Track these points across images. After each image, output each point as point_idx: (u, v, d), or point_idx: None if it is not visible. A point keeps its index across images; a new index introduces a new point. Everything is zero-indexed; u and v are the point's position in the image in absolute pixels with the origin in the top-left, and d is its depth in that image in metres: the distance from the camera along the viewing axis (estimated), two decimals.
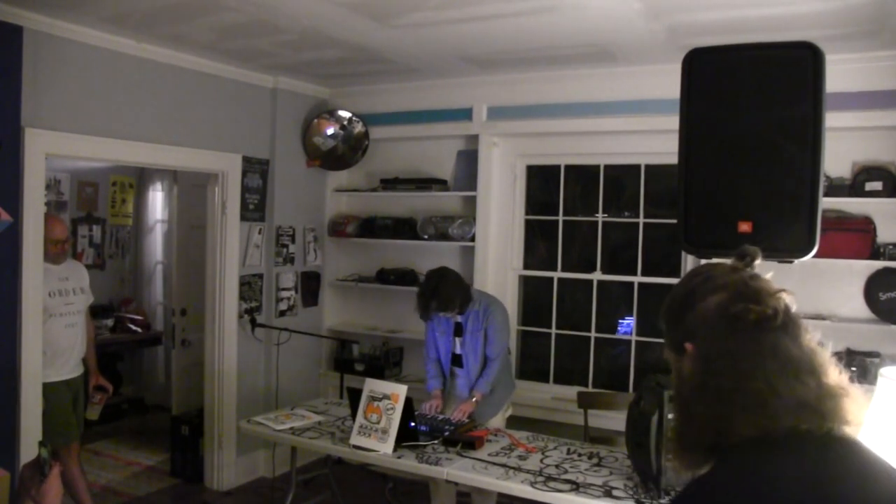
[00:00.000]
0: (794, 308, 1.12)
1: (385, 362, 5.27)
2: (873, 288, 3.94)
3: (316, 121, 5.26)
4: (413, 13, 3.48)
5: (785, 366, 1.06)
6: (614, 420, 3.95)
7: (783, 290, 1.13)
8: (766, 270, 1.20)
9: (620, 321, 4.83)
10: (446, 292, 3.79)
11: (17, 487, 1.75)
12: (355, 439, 3.34)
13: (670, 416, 2.68)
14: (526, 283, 5.13)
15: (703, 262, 3.12)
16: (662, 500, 2.73)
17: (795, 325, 1.10)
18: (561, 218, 4.97)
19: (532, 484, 2.91)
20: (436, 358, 4.08)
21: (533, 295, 5.13)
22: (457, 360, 4.03)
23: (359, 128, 5.29)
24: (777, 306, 1.09)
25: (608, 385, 4.76)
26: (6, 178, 3.54)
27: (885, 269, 3.89)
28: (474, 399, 3.84)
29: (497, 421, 3.94)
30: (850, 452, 1.04)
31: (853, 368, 3.68)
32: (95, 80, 3.97)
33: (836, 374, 1.08)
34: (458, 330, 3.99)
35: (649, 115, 4.27)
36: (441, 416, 3.80)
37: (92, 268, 6.43)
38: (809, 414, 1.03)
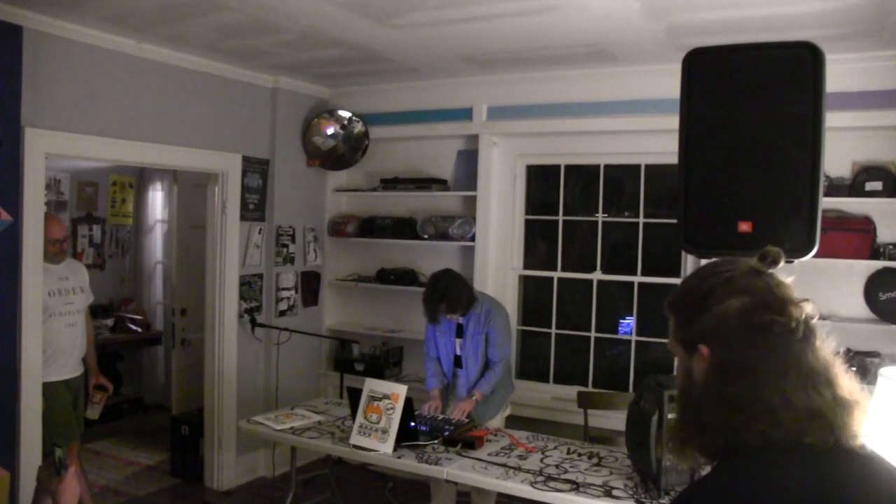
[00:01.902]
0: (815, 318, 1.10)
1: (385, 362, 5.27)
2: (873, 288, 3.94)
3: (316, 120, 5.26)
4: (413, 13, 3.48)
5: (805, 378, 1.05)
6: (614, 420, 3.95)
7: (806, 300, 1.11)
8: (778, 272, 1.18)
9: (621, 321, 4.83)
10: (455, 294, 3.79)
11: (35, 487, 1.81)
12: (355, 439, 3.34)
13: (670, 415, 2.68)
14: (526, 282, 5.13)
15: (703, 261, 3.11)
16: (662, 500, 2.73)
17: (815, 336, 1.09)
18: (561, 218, 4.97)
19: (532, 484, 2.91)
20: (435, 357, 4.08)
21: (533, 295, 5.13)
22: (458, 362, 4.03)
23: (359, 127, 5.29)
24: (800, 318, 1.07)
25: (608, 385, 4.76)
26: (6, 178, 3.54)
27: (885, 269, 3.89)
28: (474, 398, 3.84)
29: (496, 421, 3.94)
30: (855, 464, 1.03)
31: (853, 368, 3.67)
32: (95, 80, 3.97)
33: (848, 385, 1.08)
34: (460, 331, 3.99)
35: (649, 115, 4.27)
36: (441, 416, 3.80)
37: (92, 267, 6.43)
38: (818, 426, 1.03)
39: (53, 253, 3.85)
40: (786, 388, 1.04)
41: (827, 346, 1.09)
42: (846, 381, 1.08)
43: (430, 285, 3.89)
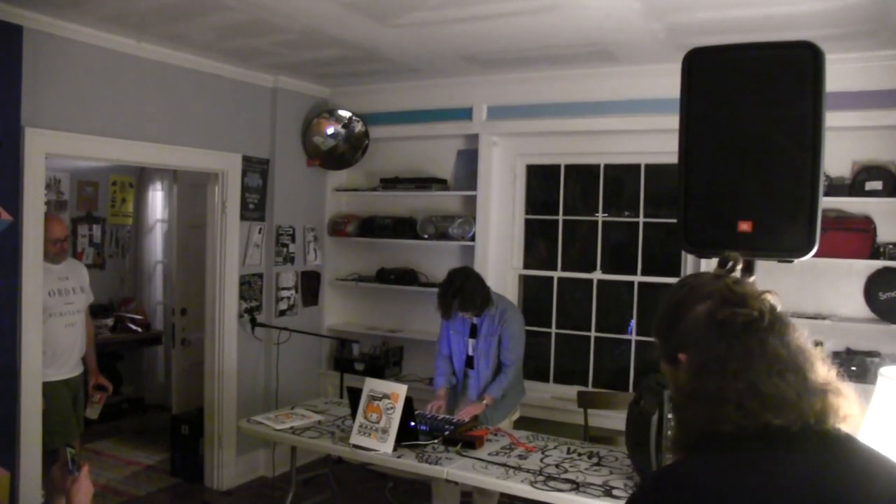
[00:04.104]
0: (779, 308, 1.15)
1: (385, 362, 5.27)
2: (873, 287, 3.94)
3: (316, 120, 5.26)
4: (413, 13, 3.48)
5: (771, 365, 1.08)
6: (614, 419, 3.95)
7: (767, 292, 1.16)
8: (766, 270, 1.21)
9: (629, 322, 4.81)
10: (469, 292, 3.77)
11: (48, 487, 1.87)
12: (355, 439, 3.34)
13: (670, 415, 2.68)
14: (526, 282, 5.13)
15: (704, 263, 3.11)
16: None
17: (783, 324, 1.13)
18: (561, 217, 4.97)
19: (532, 483, 2.91)
20: (446, 355, 4.06)
21: (533, 294, 5.13)
22: (470, 362, 4.01)
23: (359, 127, 5.29)
24: (762, 308, 1.12)
25: (608, 385, 4.77)
26: (6, 177, 3.54)
27: (885, 269, 3.90)
28: (484, 402, 3.82)
29: (504, 425, 3.91)
30: (830, 447, 1.05)
31: (853, 368, 3.68)
32: (96, 79, 3.97)
33: (823, 371, 1.11)
34: (473, 331, 3.98)
35: (649, 115, 4.27)
36: (441, 416, 3.79)
37: (92, 267, 6.43)
38: (788, 411, 1.05)
39: (54, 253, 3.86)
40: (750, 374, 1.07)
41: (799, 335, 1.13)
42: (820, 367, 1.11)
43: (446, 280, 3.87)
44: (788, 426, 1.04)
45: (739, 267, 1.22)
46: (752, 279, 1.21)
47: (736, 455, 1.04)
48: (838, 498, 0.99)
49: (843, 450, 1.05)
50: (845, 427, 1.07)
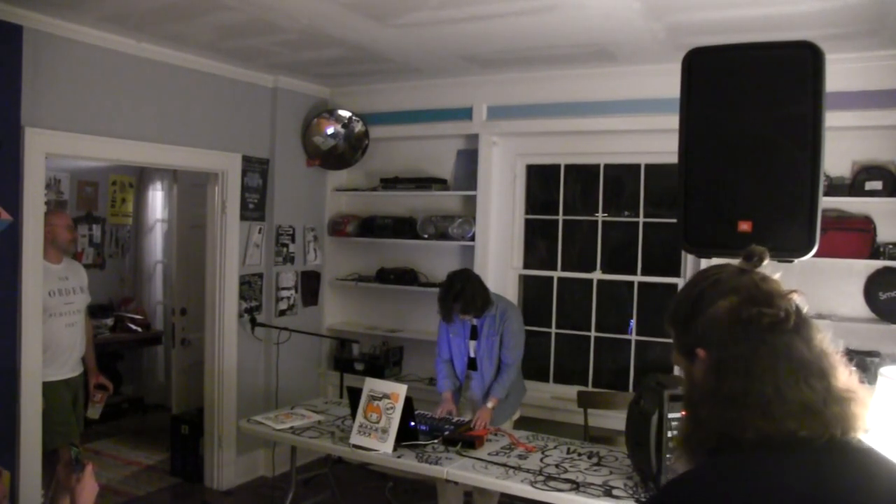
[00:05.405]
0: (805, 309, 1.11)
1: (385, 362, 5.27)
2: (873, 287, 3.94)
3: (316, 120, 5.26)
4: (413, 13, 3.48)
5: (796, 369, 1.05)
6: (614, 419, 3.95)
7: (794, 291, 1.12)
8: (766, 270, 1.20)
9: (630, 322, 4.80)
10: (470, 295, 3.75)
11: (54, 486, 1.96)
12: (355, 439, 3.34)
13: (670, 415, 2.68)
14: (526, 282, 5.13)
15: (704, 262, 3.11)
16: None
17: (808, 327, 1.09)
18: (561, 217, 4.97)
19: (532, 483, 2.91)
20: (447, 359, 4.05)
21: (533, 294, 5.13)
22: (472, 364, 4.00)
23: (359, 127, 5.29)
24: (789, 308, 1.08)
25: (608, 385, 4.77)
26: (6, 177, 3.55)
27: (885, 269, 3.89)
28: (490, 406, 3.79)
29: (505, 425, 3.90)
30: (849, 458, 1.03)
31: (853, 368, 3.68)
32: (95, 79, 3.97)
33: (845, 376, 1.08)
34: (474, 333, 3.97)
35: (649, 115, 4.27)
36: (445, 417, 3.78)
37: (92, 267, 6.45)
38: (812, 419, 1.03)
39: (70, 240, 3.95)
40: (777, 380, 1.04)
41: (822, 337, 1.10)
42: (842, 374, 1.08)
43: (445, 284, 3.85)
44: (815, 438, 1.02)
45: (765, 263, 1.17)
46: (777, 276, 1.17)
47: (759, 464, 1.01)
48: (839, 498, 0.99)
49: (844, 449, 1.04)
50: (859, 436, 1.05)
